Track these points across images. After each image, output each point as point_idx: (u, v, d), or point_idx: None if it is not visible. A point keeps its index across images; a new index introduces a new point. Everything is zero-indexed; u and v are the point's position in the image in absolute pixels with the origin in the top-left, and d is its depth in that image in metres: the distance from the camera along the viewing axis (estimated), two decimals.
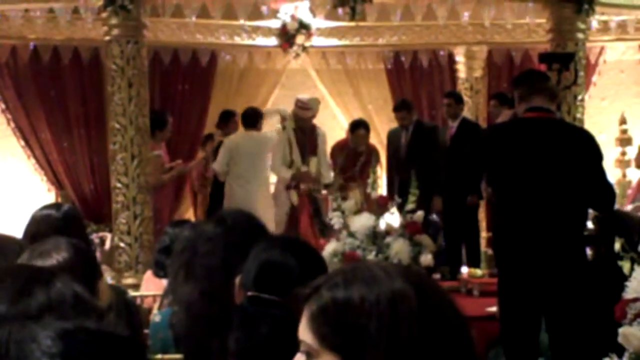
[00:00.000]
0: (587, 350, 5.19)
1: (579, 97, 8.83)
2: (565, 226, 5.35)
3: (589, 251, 5.90)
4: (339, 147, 10.35)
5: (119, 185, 8.06)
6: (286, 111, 9.86)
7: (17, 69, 10.76)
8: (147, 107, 8.26)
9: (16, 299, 1.19)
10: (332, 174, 9.82)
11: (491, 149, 5.61)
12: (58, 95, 10.96)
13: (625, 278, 3.05)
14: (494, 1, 9.22)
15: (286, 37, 10.71)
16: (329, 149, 10.09)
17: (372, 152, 10.33)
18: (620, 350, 2.89)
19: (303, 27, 10.66)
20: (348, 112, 11.78)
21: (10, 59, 10.71)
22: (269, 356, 2.33)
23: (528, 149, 5.38)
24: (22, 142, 10.99)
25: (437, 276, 8.67)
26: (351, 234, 6.42)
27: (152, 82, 9.38)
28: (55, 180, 11.08)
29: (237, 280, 2.48)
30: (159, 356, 3.34)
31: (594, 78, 12.02)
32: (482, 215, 10.55)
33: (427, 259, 6.43)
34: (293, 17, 10.62)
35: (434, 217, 9.47)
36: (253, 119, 9.86)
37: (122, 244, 8.10)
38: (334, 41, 11.44)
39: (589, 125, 8.90)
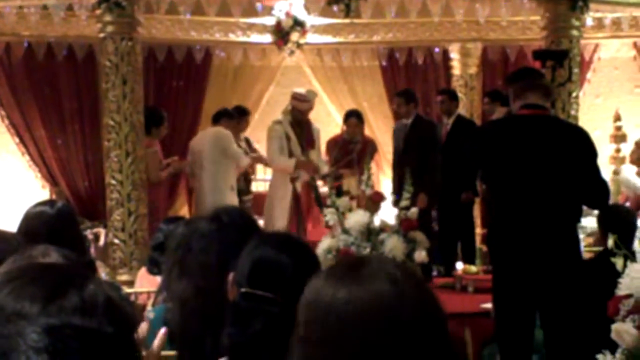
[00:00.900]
0: (581, 347, 5.20)
1: (574, 94, 8.83)
2: (560, 223, 5.36)
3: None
4: (333, 142, 10.35)
5: (113, 182, 8.05)
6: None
7: (11, 65, 10.76)
8: (142, 104, 8.25)
9: (50, 299, 1.19)
10: (327, 168, 9.82)
11: (486, 146, 5.61)
12: (52, 92, 10.96)
13: (619, 275, 3.06)
14: None
15: (281, 34, 10.70)
16: (323, 145, 10.11)
17: (368, 143, 10.33)
18: (613, 346, 2.90)
19: (298, 24, 10.65)
20: (343, 109, 11.76)
21: (4, 55, 10.71)
22: (262, 352, 2.34)
23: (523, 145, 5.39)
24: (17, 139, 10.98)
25: (434, 272, 8.69)
26: (345, 231, 6.42)
27: (146, 79, 9.39)
28: (50, 177, 11.07)
29: (231, 277, 2.49)
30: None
31: (589, 75, 12.05)
32: (477, 212, 10.56)
33: (421, 255, 6.44)
34: (287, 14, 10.62)
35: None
36: (216, 115, 9.85)
37: (116, 241, 8.10)
38: (328, 38, 11.46)
39: (584, 122, 8.91)
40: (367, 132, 11.06)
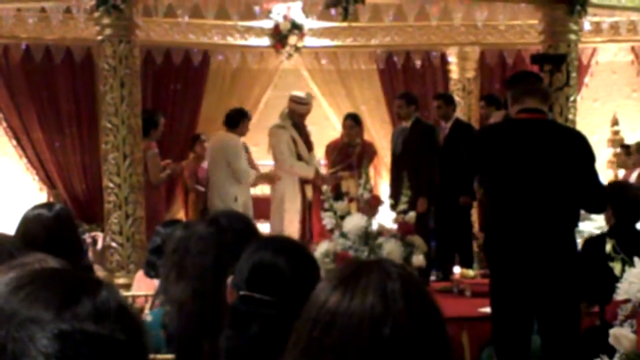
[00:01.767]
0: (579, 352, 5.19)
1: (571, 98, 8.83)
2: (558, 227, 5.36)
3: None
4: (332, 146, 10.37)
5: (110, 185, 8.04)
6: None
7: (9, 68, 10.75)
8: (139, 107, 8.24)
9: (63, 306, 1.19)
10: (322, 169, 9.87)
11: (484, 150, 5.61)
12: (50, 94, 10.96)
13: (617, 279, 3.06)
14: (486, 2, 9.23)
15: (279, 37, 10.71)
16: (316, 147, 10.14)
17: (367, 146, 10.34)
18: (611, 351, 2.90)
19: (296, 27, 10.67)
20: (340, 113, 11.77)
21: (2, 58, 10.71)
22: (259, 355, 2.34)
23: (521, 150, 5.38)
24: (14, 142, 10.98)
25: (432, 277, 8.70)
26: (343, 235, 6.42)
27: (144, 82, 9.39)
28: (47, 180, 11.06)
29: (229, 280, 2.49)
30: (151, 356, 3.34)
31: (586, 79, 12.05)
32: (474, 216, 10.57)
33: (419, 259, 6.44)
34: (286, 17, 10.63)
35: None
36: (234, 118, 9.80)
37: (113, 244, 8.08)
38: (326, 41, 11.46)
39: (581, 126, 8.90)
40: (365, 134, 11.07)
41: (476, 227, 10.59)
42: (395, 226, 6.73)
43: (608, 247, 3.12)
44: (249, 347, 2.34)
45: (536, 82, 5.80)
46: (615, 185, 6.83)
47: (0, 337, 1.16)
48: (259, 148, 10.53)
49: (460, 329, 6.41)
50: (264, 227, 9.18)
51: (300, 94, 9.75)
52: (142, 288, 5.23)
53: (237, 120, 9.70)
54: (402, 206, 6.71)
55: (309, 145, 9.75)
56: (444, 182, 8.99)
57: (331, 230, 6.58)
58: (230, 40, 11.24)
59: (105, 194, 8.15)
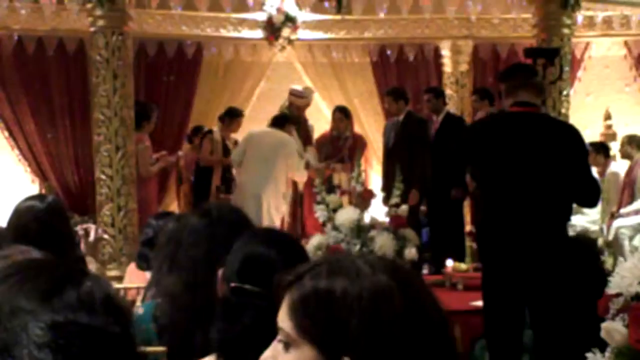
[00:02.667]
0: (571, 346, 5.20)
1: (564, 93, 8.85)
2: (550, 221, 5.37)
3: None
4: (323, 138, 10.38)
5: (103, 177, 8.03)
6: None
7: (1, 59, 10.72)
8: (132, 99, 8.24)
9: (47, 297, 1.19)
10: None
11: (476, 143, 5.62)
12: (42, 86, 10.93)
13: (608, 273, 3.06)
14: None
15: (272, 29, 10.71)
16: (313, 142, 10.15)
17: (358, 139, 10.35)
18: (603, 345, 2.90)
19: (289, 20, 10.66)
20: (333, 105, 11.75)
21: None
22: (251, 346, 2.34)
23: (513, 143, 5.39)
24: (6, 133, 10.95)
25: (424, 270, 8.70)
26: (336, 228, 6.42)
27: (137, 73, 9.38)
28: (39, 172, 11.04)
29: (220, 273, 2.49)
30: (143, 348, 3.34)
31: (579, 73, 12.07)
32: (466, 209, 10.58)
33: (411, 252, 6.45)
34: (279, 9, 10.63)
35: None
36: (280, 120, 9.65)
37: (106, 236, 8.08)
38: (319, 34, 11.45)
39: (574, 120, 8.91)
40: (358, 127, 11.08)
41: (468, 220, 10.60)
42: (387, 219, 6.74)
43: (600, 241, 3.13)
44: (241, 340, 2.34)
45: (530, 75, 5.79)
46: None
47: None
48: None
49: (452, 322, 6.39)
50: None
51: (299, 87, 9.77)
52: (134, 280, 5.23)
53: (283, 122, 9.55)
54: (394, 199, 6.72)
55: (308, 140, 9.75)
56: (436, 176, 8.99)
57: (324, 223, 6.59)
58: (223, 32, 11.23)
59: (97, 186, 8.14)
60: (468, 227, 10.44)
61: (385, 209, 6.94)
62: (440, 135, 9.45)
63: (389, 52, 11.96)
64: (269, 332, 1.64)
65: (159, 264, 3.07)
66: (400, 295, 1.50)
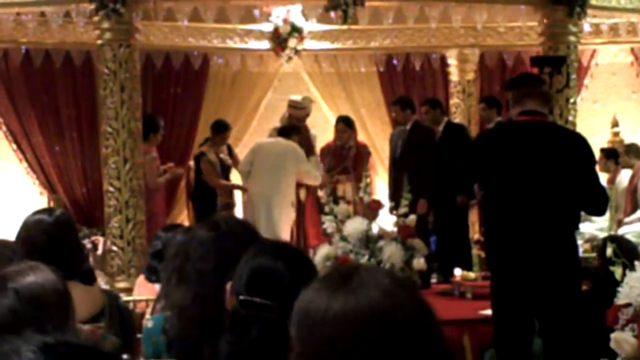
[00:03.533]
0: (580, 355, 5.19)
1: (571, 100, 8.84)
2: (558, 229, 5.36)
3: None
4: (326, 148, 10.38)
5: (111, 189, 8.05)
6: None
7: (8, 72, 10.74)
8: (140, 110, 8.26)
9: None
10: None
11: (484, 152, 5.62)
12: (50, 99, 10.95)
13: (618, 283, 3.06)
14: (486, 4, 9.23)
15: (278, 40, 10.72)
16: (318, 152, 10.15)
17: (361, 148, 10.34)
18: (612, 355, 2.90)
19: (295, 30, 10.67)
20: None
21: (2, 62, 10.70)
22: (259, 359, 2.34)
23: (521, 152, 5.39)
24: (14, 146, 10.97)
25: (432, 280, 8.69)
26: (344, 238, 6.42)
27: (144, 85, 9.38)
28: (47, 184, 11.06)
29: (228, 286, 2.49)
30: None
31: (586, 81, 12.06)
32: (474, 218, 10.57)
33: (419, 263, 6.44)
34: (285, 20, 10.64)
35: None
36: (286, 131, 9.67)
37: (114, 248, 8.09)
38: (326, 44, 11.46)
39: (581, 127, 8.91)
40: (364, 137, 11.08)
41: (476, 229, 10.59)
42: (394, 229, 6.73)
43: (609, 251, 3.12)
44: (250, 352, 2.35)
45: (537, 84, 5.81)
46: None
47: None
48: None
49: (461, 331, 6.41)
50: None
51: (298, 98, 9.75)
52: (143, 292, 5.24)
53: (289, 132, 9.57)
54: (402, 209, 6.71)
55: (311, 150, 9.75)
56: (440, 185, 8.98)
57: (331, 234, 6.58)
58: (230, 43, 11.24)
59: (105, 198, 8.16)
60: (476, 236, 10.44)
61: (393, 218, 6.94)
62: (443, 145, 9.44)
63: (395, 61, 11.96)
64: (278, 345, 1.65)
65: (167, 276, 3.07)
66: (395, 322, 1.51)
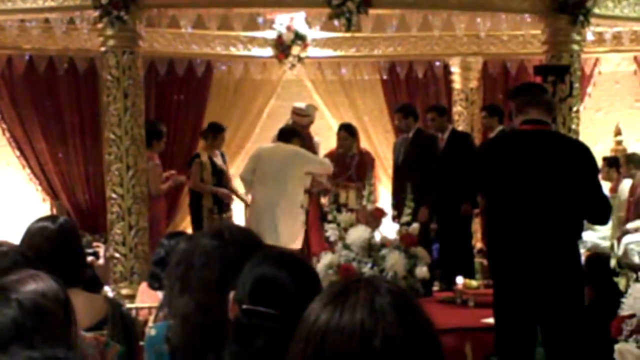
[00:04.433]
0: None
1: (574, 109, 8.84)
2: (561, 238, 5.36)
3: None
4: (329, 156, 10.37)
5: (114, 195, 8.05)
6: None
7: (12, 79, 10.77)
8: (143, 117, 8.26)
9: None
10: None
11: (488, 162, 5.61)
12: (53, 105, 10.98)
13: (621, 294, 3.05)
14: (489, 13, 9.24)
15: (282, 47, 10.73)
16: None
17: (364, 156, 10.34)
18: None
19: (299, 37, 10.68)
20: None
21: (6, 69, 10.74)
22: None
23: (524, 161, 5.38)
24: (17, 152, 10.99)
25: (435, 287, 8.68)
26: (347, 246, 6.41)
27: (147, 92, 9.41)
28: (50, 190, 11.07)
29: (231, 295, 2.48)
30: None
31: (589, 89, 12.06)
32: (476, 226, 10.56)
33: (422, 271, 6.44)
34: (289, 27, 10.65)
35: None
36: (287, 135, 9.57)
37: (117, 255, 8.09)
38: (329, 52, 11.48)
39: (584, 136, 8.91)
40: (367, 144, 11.08)
41: (478, 237, 10.59)
42: (397, 237, 6.73)
43: (613, 262, 3.12)
44: None
45: (540, 93, 5.79)
46: (593, 259, 6.82)
47: None
48: None
49: (463, 339, 6.40)
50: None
51: (302, 105, 9.75)
52: (146, 300, 5.23)
53: (290, 136, 9.51)
54: (405, 218, 6.71)
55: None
56: (444, 193, 8.97)
57: (334, 242, 6.58)
58: (233, 50, 11.26)
59: (108, 205, 8.16)
60: (479, 244, 10.43)
61: (395, 226, 6.93)
62: (447, 153, 9.44)
63: (398, 69, 11.98)
64: (281, 354, 1.65)
65: (170, 284, 3.07)
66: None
